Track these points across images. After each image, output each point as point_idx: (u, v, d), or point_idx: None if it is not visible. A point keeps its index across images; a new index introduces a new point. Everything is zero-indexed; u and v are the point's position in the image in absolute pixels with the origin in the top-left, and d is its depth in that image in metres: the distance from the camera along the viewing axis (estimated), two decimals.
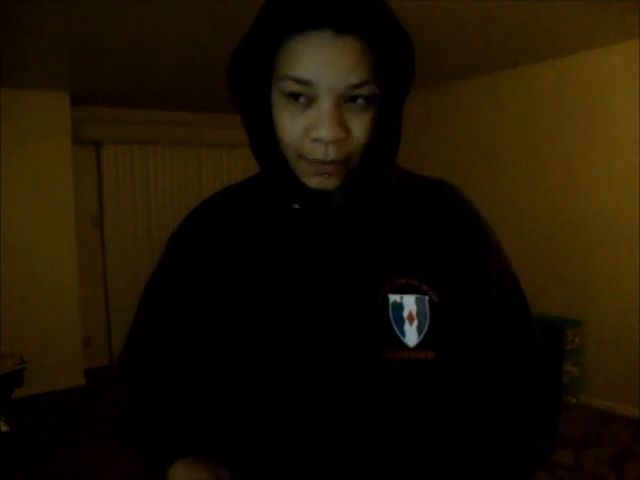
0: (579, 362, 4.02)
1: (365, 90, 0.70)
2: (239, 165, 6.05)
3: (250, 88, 0.77)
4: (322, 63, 0.68)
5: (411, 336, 0.76)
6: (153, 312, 0.91)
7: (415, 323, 0.76)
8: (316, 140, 0.71)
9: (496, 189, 4.56)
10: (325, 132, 0.69)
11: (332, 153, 0.71)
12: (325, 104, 0.70)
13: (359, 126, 0.72)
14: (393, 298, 0.77)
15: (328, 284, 0.78)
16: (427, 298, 0.77)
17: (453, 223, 0.82)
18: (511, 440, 0.82)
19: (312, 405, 0.77)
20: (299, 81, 0.69)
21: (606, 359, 3.95)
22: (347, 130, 0.71)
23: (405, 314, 0.76)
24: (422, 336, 0.76)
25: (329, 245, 0.79)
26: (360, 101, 0.71)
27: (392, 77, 0.74)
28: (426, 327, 0.76)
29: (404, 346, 0.76)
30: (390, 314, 0.76)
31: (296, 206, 0.80)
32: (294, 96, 0.71)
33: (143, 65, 4.00)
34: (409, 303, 0.77)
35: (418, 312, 0.77)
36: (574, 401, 4.00)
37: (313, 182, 0.75)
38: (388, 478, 0.77)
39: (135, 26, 3.16)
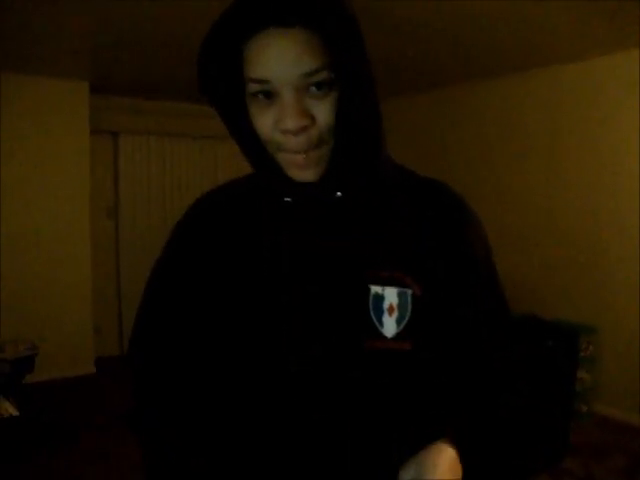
0: (593, 370, 3.97)
1: (319, 77, 0.74)
2: None
3: (224, 91, 0.81)
4: (273, 59, 0.73)
5: (389, 327, 0.80)
6: (158, 299, 0.96)
7: (395, 315, 0.80)
8: (284, 132, 0.75)
9: (508, 193, 4.52)
10: (289, 123, 0.74)
11: (303, 142, 0.75)
12: (285, 97, 0.75)
13: (322, 111, 0.76)
14: (375, 289, 0.80)
15: (312, 274, 0.82)
16: (410, 292, 0.80)
17: (438, 219, 0.84)
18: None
19: (293, 390, 0.81)
20: (258, 81, 0.75)
21: (621, 368, 3.89)
22: (311, 117, 0.75)
23: (385, 305, 0.80)
24: (401, 328, 0.80)
25: (317, 236, 0.83)
26: (320, 87, 0.74)
27: (349, 60, 0.75)
28: (406, 319, 0.80)
29: (382, 336, 0.80)
30: (370, 304, 0.80)
31: (288, 199, 0.84)
32: (260, 94, 0.76)
33: (163, 55, 4.00)
34: (390, 295, 0.80)
35: (399, 305, 0.80)
36: (586, 409, 3.94)
37: (295, 174, 0.80)
38: (366, 460, 0.81)
39: (155, 16, 3.16)
